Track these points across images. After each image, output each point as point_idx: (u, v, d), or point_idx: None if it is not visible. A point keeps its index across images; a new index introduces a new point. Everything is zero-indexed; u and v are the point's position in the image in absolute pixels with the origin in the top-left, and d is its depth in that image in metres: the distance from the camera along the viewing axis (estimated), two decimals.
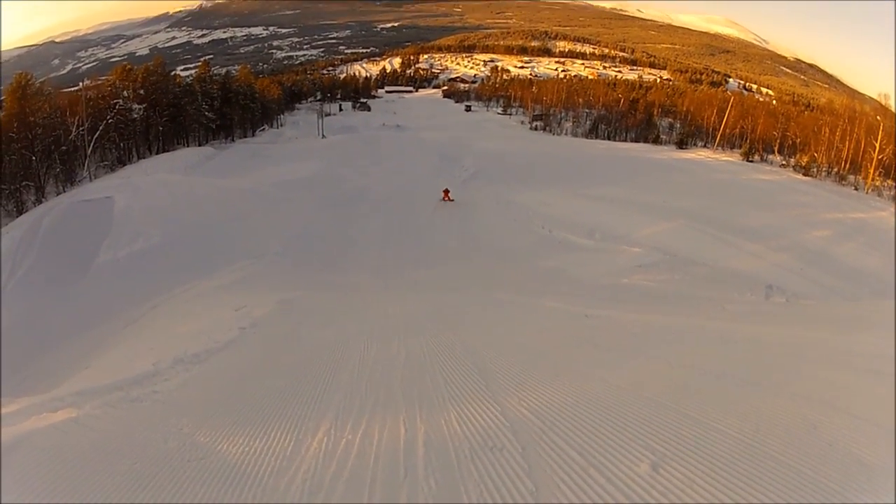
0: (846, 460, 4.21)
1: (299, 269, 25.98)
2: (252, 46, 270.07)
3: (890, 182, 54.94)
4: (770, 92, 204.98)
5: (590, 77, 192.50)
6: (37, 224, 30.31)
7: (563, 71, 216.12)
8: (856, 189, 54.98)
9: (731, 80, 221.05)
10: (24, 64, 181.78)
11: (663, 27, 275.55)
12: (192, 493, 4.83)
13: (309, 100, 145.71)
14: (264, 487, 4.74)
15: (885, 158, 55.62)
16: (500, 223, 34.15)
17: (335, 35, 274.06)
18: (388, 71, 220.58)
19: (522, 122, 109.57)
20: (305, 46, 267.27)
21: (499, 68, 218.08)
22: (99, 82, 62.55)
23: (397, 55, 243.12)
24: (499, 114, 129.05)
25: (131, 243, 28.63)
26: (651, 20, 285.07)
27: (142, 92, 60.16)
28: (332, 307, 16.21)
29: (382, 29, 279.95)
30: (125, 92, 57.87)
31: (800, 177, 59.09)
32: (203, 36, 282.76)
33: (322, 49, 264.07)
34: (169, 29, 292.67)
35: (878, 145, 55.86)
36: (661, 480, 4.10)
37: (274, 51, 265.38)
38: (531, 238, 31.05)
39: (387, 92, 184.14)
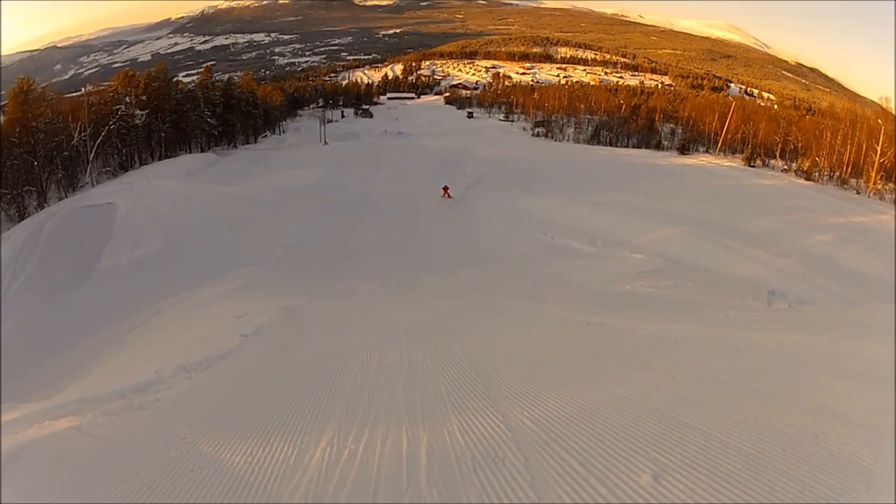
0: (847, 469, 4.20)
1: (301, 275, 25.99)
2: (254, 53, 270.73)
3: (891, 185, 54.98)
4: (771, 96, 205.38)
5: (591, 83, 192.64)
6: (38, 229, 30.35)
7: (564, 77, 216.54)
8: (857, 193, 54.99)
9: (732, 84, 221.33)
10: (26, 69, 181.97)
11: (664, 32, 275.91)
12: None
13: (311, 106, 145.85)
14: (268, 498, 4.74)
15: (886, 162, 55.66)
16: (501, 229, 34.22)
17: (337, 42, 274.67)
18: (389, 77, 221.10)
19: (524, 129, 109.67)
20: (307, 53, 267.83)
21: (500, 74, 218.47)
22: (101, 88, 62.86)
23: (399, 62, 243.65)
24: (501, 120, 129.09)
25: (133, 249, 28.67)
26: (652, 25, 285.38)
27: (144, 98, 60.33)
28: (334, 315, 16.22)
29: (384, 35, 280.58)
30: (127, 98, 58.00)
31: (801, 181, 59.14)
32: (205, 42, 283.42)
33: (324, 55, 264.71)
34: (171, 35, 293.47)
35: (879, 149, 55.89)
36: (663, 491, 4.10)
37: (276, 57, 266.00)
38: (533, 244, 31.10)
39: (389, 98, 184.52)
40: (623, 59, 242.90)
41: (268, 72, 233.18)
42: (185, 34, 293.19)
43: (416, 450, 5.31)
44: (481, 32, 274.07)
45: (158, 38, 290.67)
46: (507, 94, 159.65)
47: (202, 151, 70.64)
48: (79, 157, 50.91)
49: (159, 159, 62.75)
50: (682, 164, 66.03)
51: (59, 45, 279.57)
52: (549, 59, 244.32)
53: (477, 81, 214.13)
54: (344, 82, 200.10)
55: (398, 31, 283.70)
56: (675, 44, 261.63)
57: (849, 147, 60.23)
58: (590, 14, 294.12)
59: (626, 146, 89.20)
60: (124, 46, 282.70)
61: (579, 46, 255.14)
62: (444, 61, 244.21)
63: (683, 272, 24.42)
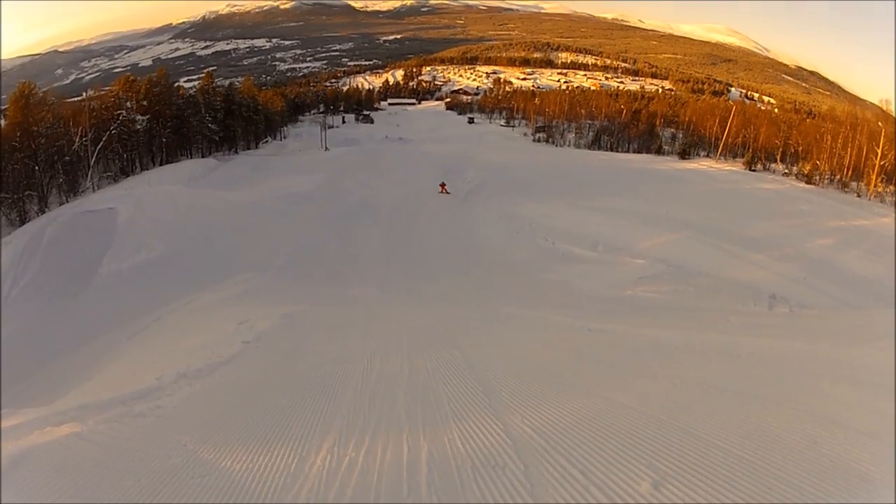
0: (847, 476, 4.21)
1: (302, 281, 26.01)
2: (255, 58, 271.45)
3: (892, 188, 54.96)
4: (772, 100, 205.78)
5: (592, 88, 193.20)
6: (39, 234, 30.39)
7: (565, 82, 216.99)
8: (858, 196, 54.97)
9: (732, 89, 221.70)
10: (27, 73, 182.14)
11: (665, 37, 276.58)
12: None
13: (312, 112, 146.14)
14: None
15: (887, 164, 55.66)
16: (502, 235, 34.26)
17: (338, 47, 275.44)
18: (390, 83, 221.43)
19: (525, 134, 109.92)
20: (308, 59, 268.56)
21: (501, 80, 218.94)
22: (102, 93, 62.99)
23: (400, 67, 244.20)
24: (501, 126, 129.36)
25: (134, 255, 28.73)
26: (653, 30, 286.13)
27: (145, 103, 60.44)
28: (335, 321, 16.22)
29: (385, 41, 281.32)
30: (128, 103, 58.04)
31: (802, 185, 59.08)
32: (206, 47, 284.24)
33: (325, 61, 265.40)
34: (172, 40, 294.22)
35: (880, 151, 55.92)
36: (662, 500, 4.10)
37: (277, 63, 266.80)
38: (534, 250, 31.13)
39: (389, 104, 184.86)
40: (624, 64, 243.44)
41: (269, 77, 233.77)
42: (187, 39, 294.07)
43: (417, 458, 5.31)
44: (482, 38, 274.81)
45: (159, 44, 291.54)
46: (507, 99, 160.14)
47: (203, 157, 70.70)
48: (80, 161, 50.97)
49: (160, 164, 62.78)
50: (682, 169, 66.00)
51: (61, 50, 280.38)
52: (549, 64, 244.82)
53: (478, 87, 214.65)
54: (345, 88, 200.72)
55: (399, 36, 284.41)
56: (676, 48, 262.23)
57: (849, 150, 60.16)
58: (590, 19, 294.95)
59: (627, 151, 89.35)
60: (125, 51, 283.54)
61: (580, 51, 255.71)
62: (445, 67, 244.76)
63: (685, 277, 24.42)
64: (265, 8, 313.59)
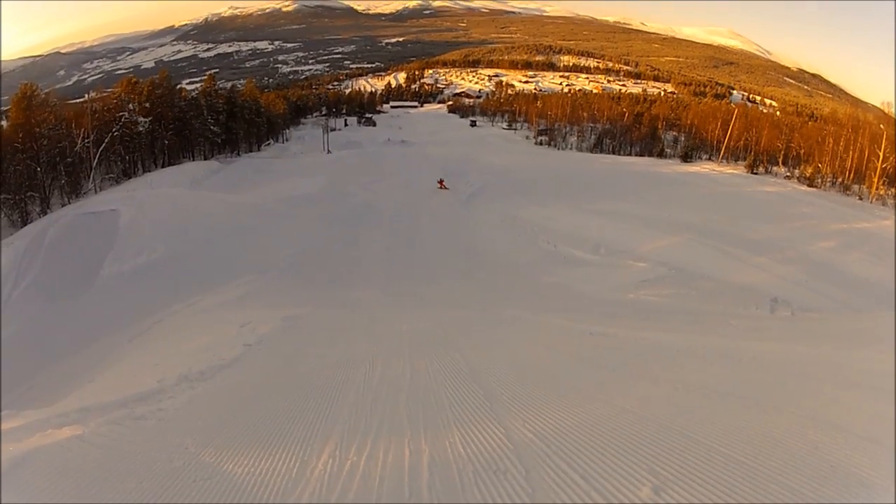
0: (847, 481, 4.23)
1: (304, 284, 26.00)
2: (257, 60, 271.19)
3: (893, 191, 54.81)
4: (774, 103, 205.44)
5: (594, 91, 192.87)
6: (41, 235, 30.43)
7: (567, 85, 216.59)
8: (860, 199, 54.83)
9: (734, 91, 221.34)
10: (29, 74, 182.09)
11: (667, 40, 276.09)
12: None
13: (314, 114, 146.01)
14: None
15: (888, 167, 55.52)
16: (504, 238, 34.25)
17: (340, 50, 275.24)
18: (392, 86, 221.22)
19: (527, 137, 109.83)
20: (311, 61, 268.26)
21: (503, 83, 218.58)
22: (104, 94, 62.84)
23: (402, 70, 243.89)
24: (504, 129, 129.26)
25: (136, 257, 28.74)
26: (655, 33, 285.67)
27: (147, 105, 60.51)
28: (337, 324, 16.22)
29: (387, 44, 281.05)
30: (131, 105, 58.13)
31: (804, 188, 58.98)
32: (208, 49, 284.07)
33: (327, 64, 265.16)
34: (174, 42, 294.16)
35: (881, 154, 55.75)
36: None
37: (279, 65, 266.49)
38: (536, 253, 31.13)
39: (392, 107, 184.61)
40: (626, 67, 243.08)
41: (271, 80, 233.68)
42: (189, 41, 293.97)
43: (419, 462, 5.32)
44: (484, 41, 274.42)
45: (162, 46, 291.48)
46: (510, 102, 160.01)
47: (205, 159, 70.75)
48: (82, 163, 51.02)
49: (162, 166, 62.88)
50: (685, 172, 65.92)
51: (63, 52, 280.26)
52: (551, 67, 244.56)
53: (480, 90, 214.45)
54: (347, 91, 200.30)
55: (401, 39, 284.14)
56: (678, 51, 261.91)
57: (851, 153, 60.02)
58: (592, 22, 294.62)
59: (630, 154, 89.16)
60: (127, 53, 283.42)
61: (582, 54, 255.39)
62: (447, 70, 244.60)
63: (687, 280, 24.43)
64: (267, 10, 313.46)
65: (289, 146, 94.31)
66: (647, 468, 4.62)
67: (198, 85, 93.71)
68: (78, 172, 50.22)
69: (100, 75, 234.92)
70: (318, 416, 7.23)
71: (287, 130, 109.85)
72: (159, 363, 12.10)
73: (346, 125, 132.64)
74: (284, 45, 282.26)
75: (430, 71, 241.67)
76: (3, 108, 68.09)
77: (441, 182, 52.78)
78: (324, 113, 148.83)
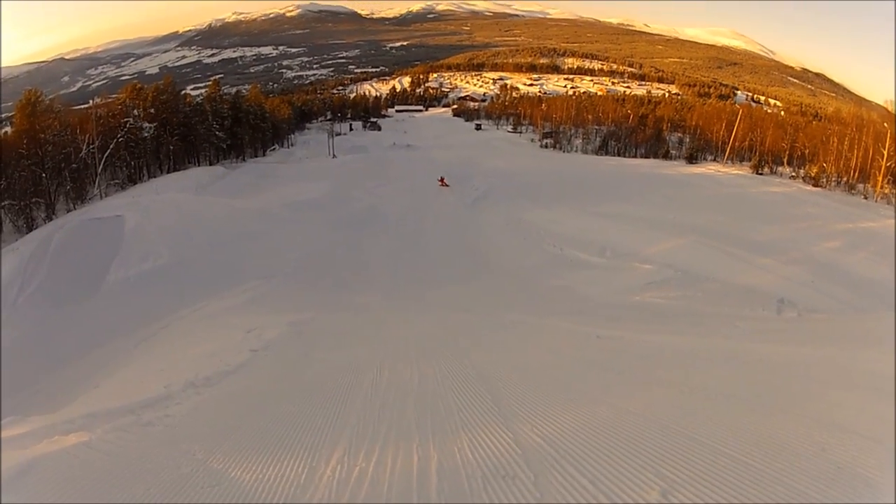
0: (853, 482, 4.24)
1: (310, 289, 25.97)
2: (262, 66, 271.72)
3: None
4: (778, 103, 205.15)
5: (599, 93, 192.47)
6: (47, 241, 30.50)
7: (572, 87, 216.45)
8: (865, 198, 54.75)
9: (739, 92, 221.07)
10: (33, 80, 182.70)
11: (670, 41, 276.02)
12: None
13: (319, 119, 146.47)
14: None
15: (893, 166, 55.35)
16: (510, 242, 34.22)
17: (344, 54, 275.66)
18: (397, 90, 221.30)
19: (532, 140, 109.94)
20: (315, 66, 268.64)
21: (508, 86, 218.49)
22: (109, 100, 63.01)
23: (407, 74, 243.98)
24: (509, 132, 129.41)
25: (142, 262, 28.78)
26: (658, 34, 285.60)
27: (152, 111, 60.55)
28: (343, 329, 16.22)
29: (391, 48, 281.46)
30: (135, 110, 58.24)
31: (809, 188, 58.92)
32: (213, 55, 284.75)
33: (332, 68, 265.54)
34: (179, 48, 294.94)
35: (885, 153, 55.62)
36: None
37: (284, 70, 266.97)
38: (542, 256, 31.08)
39: (397, 111, 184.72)
40: (630, 69, 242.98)
41: (276, 85, 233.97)
42: (193, 47, 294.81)
43: (427, 468, 5.31)
44: (488, 44, 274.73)
45: (166, 51, 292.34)
46: (514, 105, 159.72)
47: (210, 164, 70.87)
48: (87, 169, 51.06)
49: (168, 172, 62.99)
50: (690, 174, 65.93)
51: (67, 57, 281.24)
52: (556, 69, 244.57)
53: (484, 93, 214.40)
54: (352, 95, 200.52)
55: (405, 43, 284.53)
56: (682, 52, 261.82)
57: (855, 152, 59.97)
58: (596, 24, 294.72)
59: (635, 156, 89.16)
60: (132, 59, 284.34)
61: (586, 57, 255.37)
62: (452, 73, 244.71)
63: (692, 282, 24.38)
64: (271, 15, 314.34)
65: (294, 151, 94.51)
66: (654, 471, 4.61)
67: (202, 90, 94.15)
68: (83, 178, 50.30)
69: (104, 81, 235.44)
70: (325, 421, 7.23)
71: (292, 135, 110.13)
72: (165, 369, 12.11)
73: (351, 130, 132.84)
74: (289, 49, 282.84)
75: (435, 75, 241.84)
76: (7, 115, 68.46)
77: (442, 180, 54.71)
78: (329, 118, 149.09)
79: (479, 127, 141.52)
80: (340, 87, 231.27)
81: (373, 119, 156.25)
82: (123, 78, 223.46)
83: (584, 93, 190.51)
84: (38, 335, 22.19)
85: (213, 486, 5.41)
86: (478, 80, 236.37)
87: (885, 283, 26.01)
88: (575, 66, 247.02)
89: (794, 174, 67.07)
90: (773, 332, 13.88)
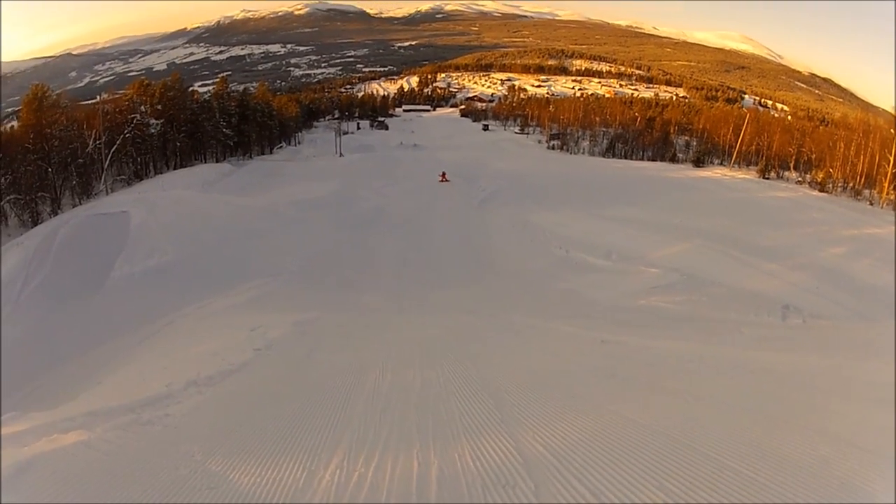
0: (856, 497, 4.24)
1: (315, 288, 25.94)
2: (270, 64, 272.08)
3: None
4: (785, 107, 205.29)
5: (606, 95, 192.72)
6: (52, 235, 30.49)
7: (579, 89, 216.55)
8: (871, 204, 54.67)
9: (746, 96, 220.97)
10: (40, 75, 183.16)
11: (679, 44, 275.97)
12: None
13: (327, 118, 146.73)
14: None
15: None
16: (516, 244, 34.14)
17: (353, 53, 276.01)
18: (405, 90, 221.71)
19: (539, 142, 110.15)
20: (323, 64, 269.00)
21: (516, 87, 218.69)
22: (116, 96, 63.30)
23: (415, 74, 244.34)
24: (516, 133, 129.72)
25: (147, 259, 28.74)
26: (667, 37, 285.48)
27: (159, 107, 60.90)
28: (348, 329, 16.17)
29: (400, 48, 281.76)
30: (143, 107, 58.56)
31: (815, 193, 58.89)
32: (221, 52, 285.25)
33: (340, 67, 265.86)
34: (186, 45, 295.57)
35: (892, 159, 55.51)
36: None
37: (292, 68, 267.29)
38: (548, 259, 30.99)
39: (404, 111, 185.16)
40: (638, 72, 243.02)
41: (283, 83, 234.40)
42: (201, 44, 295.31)
43: (427, 474, 5.27)
44: (496, 45, 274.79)
45: (174, 48, 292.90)
46: (522, 106, 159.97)
47: (217, 162, 71.08)
48: (93, 164, 51.38)
49: (174, 168, 63.28)
50: (696, 178, 65.90)
51: (74, 53, 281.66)
52: (564, 71, 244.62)
53: (492, 94, 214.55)
54: (360, 94, 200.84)
55: (413, 43, 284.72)
56: (690, 55, 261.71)
57: (862, 157, 59.90)
58: (604, 26, 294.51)
59: (642, 159, 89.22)
60: (139, 55, 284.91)
61: (594, 59, 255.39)
62: (460, 73, 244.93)
63: (698, 287, 24.30)
64: (280, 13, 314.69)
65: (301, 149, 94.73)
66: (656, 483, 4.58)
67: (210, 87, 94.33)
68: (89, 173, 50.60)
69: (112, 77, 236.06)
70: (326, 423, 7.20)
71: (299, 134, 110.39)
72: (168, 367, 12.07)
73: (358, 129, 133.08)
74: (297, 48, 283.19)
75: (443, 75, 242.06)
76: (14, 110, 68.70)
77: (443, 175, 56.70)
78: (336, 116, 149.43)
79: (486, 128, 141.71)
80: (348, 86, 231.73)
81: (380, 118, 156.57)
82: (131, 74, 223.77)
83: (591, 95, 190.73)
84: (42, 331, 22.18)
85: (210, 488, 5.37)
86: (486, 80, 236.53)
87: (890, 289, 25.92)
88: (583, 68, 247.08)
89: (800, 179, 67.02)
90: (778, 340, 13.89)
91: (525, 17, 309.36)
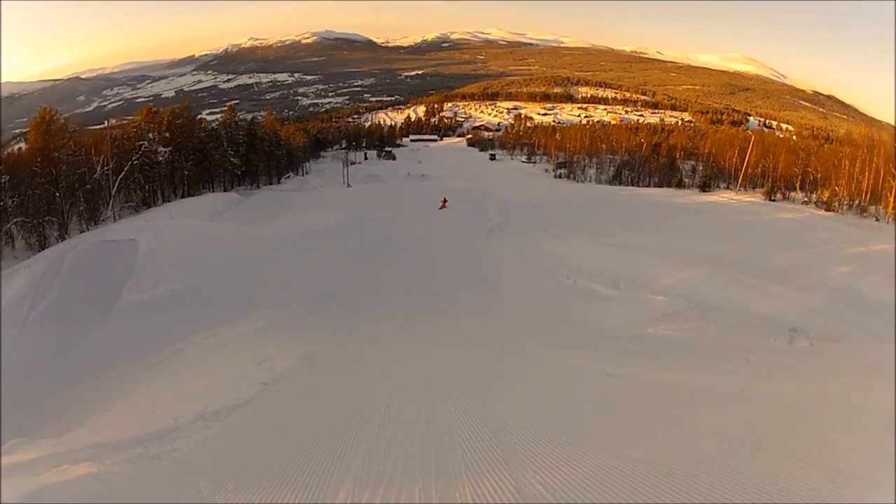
0: None
1: (323, 319, 25.91)
2: (277, 93, 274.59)
3: None
4: (790, 127, 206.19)
5: (612, 122, 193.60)
6: (59, 260, 30.53)
7: (585, 116, 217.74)
8: (877, 220, 54.58)
9: (751, 118, 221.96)
10: (48, 98, 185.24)
11: (683, 68, 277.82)
12: None
13: (334, 147, 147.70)
14: None
15: None
16: (524, 273, 34.09)
17: (360, 83, 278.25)
18: (412, 119, 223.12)
19: (546, 170, 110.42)
20: (330, 94, 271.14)
21: (522, 116, 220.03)
22: (124, 122, 63.71)
23: (421, 103, 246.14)
24: (523, 162, 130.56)
25: (154, 287, 28.76)
26: (671, 61, 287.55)
27: (167, 135, 61.04)
28: (355, 362, 16.18)
29: (406, 77, 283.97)
30: (151, 134, 58.70)
31: (822, 212, 58.72)
32: (228, 80, 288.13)
33: (347, 97, 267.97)
34: (195, 72, 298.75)
35: None
36: None
37: (299, 97, 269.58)
38: (555, 288, 30.95)
39: (412, 140, 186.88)
40: (643, 97, 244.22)
41: (291, 112, 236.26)
42: (209, 71, 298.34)
43: None
44: (502, 73, 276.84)
45: (182, 75, 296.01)
46: (528, 135, 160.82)
47: (225, 190, 71.42)
48: (101, 190, 51.55)
49: (182, 197, 63.48)
50: (703, 202, 65.84)
51: (83, 76, 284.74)
52: (570, 98, 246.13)
53: (499, 123, 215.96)
54: (367, 124, 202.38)
55: (420, 72, 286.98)
56: (694, 79, 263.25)
57: (867, 174, 59.89)
58: (609, 52, 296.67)
59: (648, 185, 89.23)
60: (148, 81, 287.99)
61: (599, 85, 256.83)
62: (466, 103, 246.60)
63: (705, 313, 24.24)
64: (287, 42, 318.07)
65: (309, 179, 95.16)
66: None
67: (218, 116, 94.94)
68: (97, 199, 50.79)
69: (120, 102, 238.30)
70: (331, 460, 7.29)
71: (307, 163, 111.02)
72: (175, 398, 12.18)
73: (366, 158, 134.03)
74: (304, 77, 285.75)
75: (450, 104, 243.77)
76: (22, 131, 69.43)
77: (444, 201, 57.67)
78: (344, 146, 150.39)
79: (493, 157, 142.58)
80: (355, 116, 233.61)
81: (387, 148, 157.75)
82: (139, 100, 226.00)
83: (597, 122, 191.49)
84: (47, 354, 22.24)
85: None
86: (492, 109, 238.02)
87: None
88: (588, 95, 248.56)
89: (806, 199, 66.96)
90: (784, 367, 13.91)
91: (530, 44, 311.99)
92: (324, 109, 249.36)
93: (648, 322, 23.24)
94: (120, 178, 52.69)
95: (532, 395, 11.11)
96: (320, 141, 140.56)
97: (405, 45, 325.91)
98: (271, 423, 10.01)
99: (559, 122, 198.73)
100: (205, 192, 67.77)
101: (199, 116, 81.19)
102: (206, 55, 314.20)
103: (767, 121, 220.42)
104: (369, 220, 50.92)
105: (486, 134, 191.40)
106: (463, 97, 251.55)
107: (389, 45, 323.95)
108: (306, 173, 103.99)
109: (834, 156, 70.86)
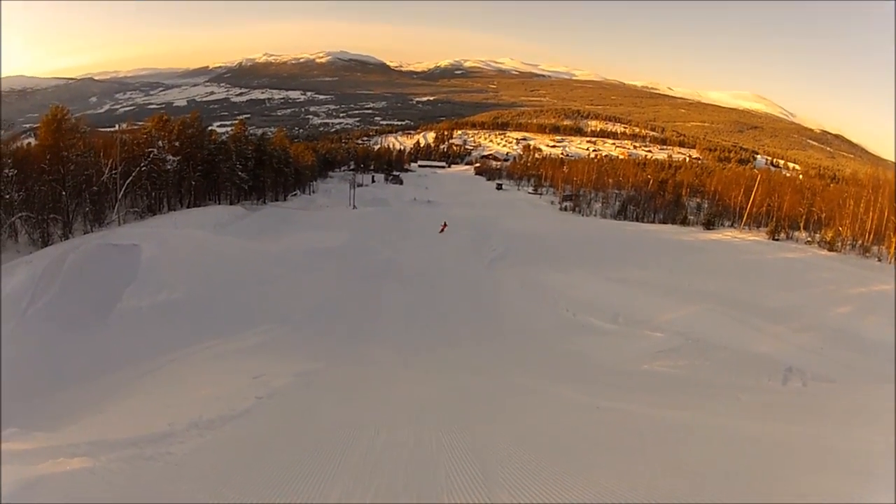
0: None
1: (321, 338, 25.92)
2: (289, 109, 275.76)
3: None
4: (797, 166, 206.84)
5: (620, 157, 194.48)
6: (61, 259, 30.46)
7: (594, 150, 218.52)
8: (879, 260, 54.93)
9: (758, 156, 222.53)
10: (61, 96, 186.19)
11: (693, 105, 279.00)
12: None
13: (342, 168, 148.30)
14: None
15: None
16: (524, 304, 34.18)
17: (371, 105, 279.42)
18: (421, 145, 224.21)
19: (552, 203, 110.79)
20: (342, 114, 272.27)
21: (531, 147, 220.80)
22: (135, 127, 64.31)
23: (431, 129, 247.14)
24: (529, 193, 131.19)
25: (155, 294, 28.68)
26: (681, 98, 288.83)
27: (177, 144, 61.67)
28: (350, 383, 16.23)
29: (418, 102, 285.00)
30: (160, 141, 59.33)
31: (825, 252, 58.89)
32: (241, 94, 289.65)
33: (358, 118, 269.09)
34: (208, 83, 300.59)
35: None
36: None
37: (310, 116, 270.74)
38: (555, 320, 31.01)
39: (420, 166, 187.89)
40: (652, 133, 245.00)
41: (301, 130, 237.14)
42: (222, 84, 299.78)
43: None
44: (514, 103, 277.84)
45: (195, 85, 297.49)
46: (536, 166, 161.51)
47: (231, 204, 71.88)
48: (107, 193, 51.96)
49: (188, 206, 64.02)
50: (707, 240, 65.95)
51: (96, 78, 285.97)
52: (579, 131, 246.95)
53: (507, 153, 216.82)
54: (376, 147, 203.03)
55: (432, 98, 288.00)
56: (704, 116, 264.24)
57: (871, 213, 60.23)
58: (620, 86, 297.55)
59: (653, 221, 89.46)
60: (161, 88, 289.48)
61: (609, 119, 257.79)
62: (476, 131, 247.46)
63: (702, 351, 24.32)
64: (301, 60, 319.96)
65: (315, 198, 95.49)
66: None
67: (228, 128, 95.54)
68: (103, 202, 51.27)
69: (132, 107, 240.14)
70: (317, 478, 7.44)
71: (314, 182, 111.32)
72: (171, 405, 12.25)
73: (373, 181, 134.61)
74: (316, 96, 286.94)
75: (459, 132, 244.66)
76: (33, 126, 69.80)
77: (444, 225, 60.19)
78: (352, 168, 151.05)
79: (500, 187, 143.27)
80: (365, 138, 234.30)
81: (395, 172, 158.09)
82: (151, 106, 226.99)
83: (605, 156, 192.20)
84: (44, 352, 22.24)
85: None
86: (501, 139, 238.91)
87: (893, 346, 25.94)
88: (598, 129, 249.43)
89: (809, 239, 67.07)
90: (773, 407, 13.96)
91: (543, 76, 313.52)
92: (334, 130, 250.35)
93: (644, 358, 23.32)
94: (127, 182, 53.01)
95: (521, 427, 11.15)
96: (329, 161, 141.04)
97: (418, 69, 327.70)
98: (262, 436, 10.07)
99: (567, 155, 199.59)
100: (211, 204, 68.12)
101: (209, 128, 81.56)
102: (220, 67, 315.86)
103: (775, 159, 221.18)
104: (373, 243, 51.18)
105: (494, 163, 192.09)
106: (473, 125, 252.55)
107: (402, 69, 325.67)
108: (313, 192, 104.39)
109: (839, 195, 71.19)
